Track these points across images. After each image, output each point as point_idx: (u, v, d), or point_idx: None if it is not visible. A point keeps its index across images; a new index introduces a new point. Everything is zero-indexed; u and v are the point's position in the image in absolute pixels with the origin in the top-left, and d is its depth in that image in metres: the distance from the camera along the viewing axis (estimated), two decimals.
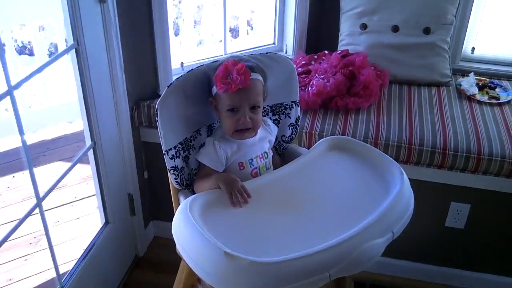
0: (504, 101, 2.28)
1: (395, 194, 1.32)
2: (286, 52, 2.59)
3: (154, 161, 2.35)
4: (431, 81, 2.41)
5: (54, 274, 1.85)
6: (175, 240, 1.29)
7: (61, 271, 1.93)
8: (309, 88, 2.15)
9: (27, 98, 3.78)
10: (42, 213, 1.71)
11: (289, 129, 1.64)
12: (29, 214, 1.63)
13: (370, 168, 1.46)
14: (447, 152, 2.00)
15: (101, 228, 2.17)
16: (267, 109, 1.58)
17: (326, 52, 2.43)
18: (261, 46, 2.64)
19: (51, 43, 3.93)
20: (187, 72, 1.43)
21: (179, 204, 1.45)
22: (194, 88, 1.43)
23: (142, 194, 2.37)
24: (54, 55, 3.92)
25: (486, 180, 2.04)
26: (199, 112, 1.47)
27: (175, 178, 1.43)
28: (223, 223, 1.27)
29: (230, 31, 2.47)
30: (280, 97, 1.60)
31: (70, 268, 2.06)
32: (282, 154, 1.68)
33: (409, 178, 1.41)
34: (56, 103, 3.81)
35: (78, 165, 3.26)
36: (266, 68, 1.49)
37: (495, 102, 2.28)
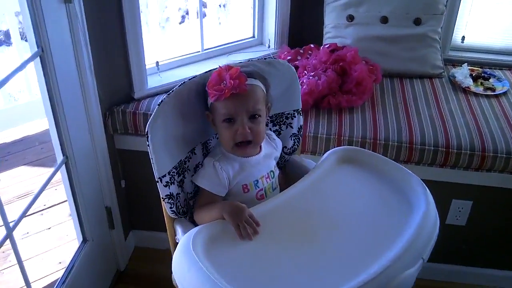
0: (500, 92, 2.19)
1: (421, 216, 1.19)
2: (268, 47, 2.41)
3: (131, 169, 2.18)
4: (423, 73, 2.30)
5: None
6: (176, 281, 1.12)
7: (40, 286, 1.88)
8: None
9: None
10: (13, 243, 1.50)
11: (291, 139, 1.48)
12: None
13: (388, 183, 1.32)
14: (450, 150, 1.88)
15: (78, 247, 1.98)
16: (266, 119, 1.40)
17: (312, 45, 2.27)
18: (239, 41, 2.45)
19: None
20: (179, 85, 1.24)
21: (175, 234, 1.28)
22: (189, 103, 1.25)
23: (120, 205, 2.18)
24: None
25: (489, 177, 1.94)
26: (195, 130, 1.30)
27: (170, 207, 1.25)
28: (231, 260, 1.11)
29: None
30: (281, 106, 1.43)
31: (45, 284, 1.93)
32: (283, 167, 1.51)
33: None
34: (14, 103, 3.52)
35: (45, 169, 3.05)
36: (265, 75, 1.32)
37: (491, 93, 2.18)
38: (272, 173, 1.34)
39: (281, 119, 1.46)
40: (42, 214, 2.73)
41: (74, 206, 1.89)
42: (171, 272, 1.15)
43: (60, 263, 2.40)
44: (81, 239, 1.99)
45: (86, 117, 1.84)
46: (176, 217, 1.28)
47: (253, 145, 1.26)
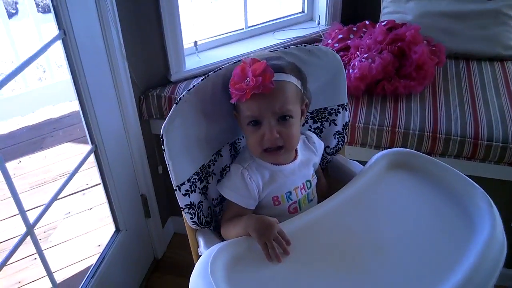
0: None
1: (486, 241, 0.98)
2: (319, 24, 2.19)
3: None
4: (494, 55, 2.02)
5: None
6: None
7: (78, 269, 1.93)
8: (350, 71, 1.78)
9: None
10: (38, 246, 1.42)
11: (335, 138, 1.30)
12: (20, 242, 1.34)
13: (447, 196, 1.11)
14: None
15: (112, 236, 1.90)
16: (306, 115, 1.22)
17: (367, 22, 2.04)
18: (286, 16, 2.24)
19: None
20: (201, 80, 1.08)
21: (198, 246, 1.14)
22: (213, 99, 1.09)
23: (157, 192, 2.08)
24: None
25: None
26: (221, 129, 1.14)
27: (191, 218, 1.11)
28: (256, 286, 0.95)
29: None
30: (323, 101, 1.25)
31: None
32: (325, 169, 1.34)
33: (471, 176, 1.11)
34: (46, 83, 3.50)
35: (86, 146, 3.01)
36: (305, 65, 1.13)
37: None
38: (308, 183, 1.17)
39: (323, 115, 1.27)
40: (84, 194, 2.69)
41: (105, 195, 1.80)
42: None
43: (99, 245, 2.36)
44: (114, 228, 1.90)
45: (118, 102, 1.73)
46: (198, 228, 1.14)
47: (285, 151, 1.08)
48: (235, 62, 1.12)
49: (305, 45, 1.19)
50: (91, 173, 2.75)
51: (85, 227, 2.46)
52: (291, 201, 1.12)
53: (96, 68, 1.57)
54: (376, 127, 1.71)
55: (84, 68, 1.50)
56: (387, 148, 1.71)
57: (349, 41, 1.94)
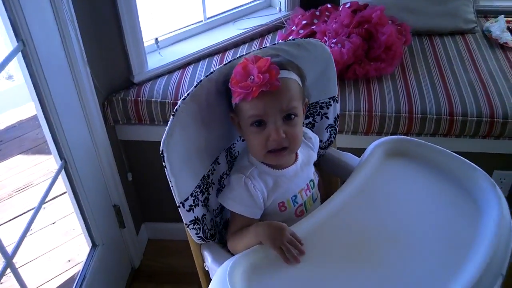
0: None
1: (497, 224, 0.98)
2: (280, 10, 2.14)
3: (137, 160, 1.98)
4: (455, 29, 2.05)
5: None
6: None
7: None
8: None
9: None
10: (16, 272, 1.31)
11: (327, 132, 1.26)
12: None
13: (448, 181, 1.10)
14: (495, 120, 1.66)
15: (89, 253, 1.81)
16: (305, 115, 1.18)
17: (329, 5, 2.01)
18: (244, 5, 2.17)
19: None
20: (194, 87, 1.00)
21: (203, 261, 1.08)
22: (208, 106, 1.02)
23: (128, 201, 1.98)
24: None
25: None
26: (218, 136, 1.07)
27: (197, 233, 1.04)
28: None
29: None
30: (315, 95, 1.20)
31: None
32: (318, 163, 1.30)
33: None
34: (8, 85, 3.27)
35: (44, 157, 2.84)
36: (296, 60, 1.08)
37: None
38: (312, 182, 1.13)
39: (314, 110, 1.23)
40: (44, 208, 2.54)
41: (79, 211, 1.69)
42: (187, 264, 1.00)
43: (69, 261, 2.24)
44: (91, 244, 1.80)
45: (82, 111, 1.61)
46: (203, 242, 1.07)
47: (289, 151, 1.03)
48: (225, 64, 1.06)
49: (293, 39, 1.14)
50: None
51: (51, 243, 2.33)
52: (297, 205, 1.08)
53: (58, 77, 1.46)
54: (353, 113, 1.69)
55: (47, 78, 1.38)
56: (365, 133, 1.71)
57: (314, 27, 1.91)
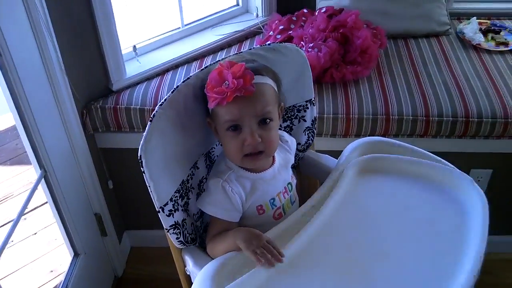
0: None
1: (482, 224, 1.00)
2: (257, 16, 2.16)
3: (118, 167, 1.97)
4: (429, 32, 2.09)
5: None
6: None
7: None
8: None
9: None
10: None
11: (305, 134, 1.28)
12: None
13: (427, 183, 1.12)
14: (470, 120, 1.70)
15: (71, 262, 1.80)
16: (281, 119, 1.18)
17: (306, 10, 2.03)
18: (221, 11, 2.19)
19: None
20: (171, 92, 1.01)
21: (185, 265, 1.08)
22: (186, 111, 1.03)
23: (110, 209, 1.97)
24: None
25: (511, 143, 1.77)
26: (197, 141, 1.08)
27: (177, 238, 1.04)
28: None
29: None
30: (292, 98, 1.22)
31: None
32: (297, 166, 1.32)
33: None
34: None
35: (23, 168, 2.81)
36: (272, 64, 1.10)
37: (505, 49, 1.99)
38: (289, 185, 1.14)
39: (292, 113, 1.25)
40: (25, 219, 2.51)
41: (60, 221, 1.68)
42: (171, 271, 1.01)
43: (51, 271, 2.22)
44: (73, 253, 1.79)
45: (61, 120, 1.61)
46: (184, 247, 1.08)
47: (265, 155, 1.04)
48: (202, 69, 1.07)
49: (268, 44, 1.15)
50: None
51: (33, 254, 2.30)
52: (276, 207, 1.09)
53: (36, 87, 1.46)
54: (331, 115, 1.72)
55: (25, 88, 1.38)
56: (343, 136, 1.74)
57: (291, 32, 1.93)
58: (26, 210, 2.54)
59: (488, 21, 2.16)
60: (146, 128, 0.95)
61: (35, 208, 2.56)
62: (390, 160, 1.16)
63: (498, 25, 2.13)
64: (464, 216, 1.04)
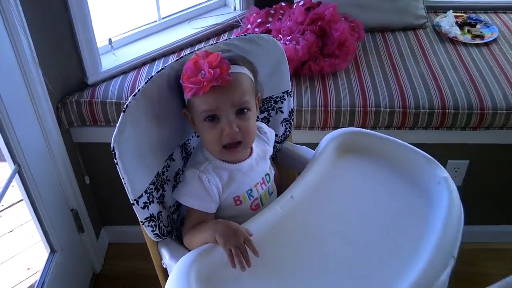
0: (490, 39, 2.01)
1: (446, 211, 1.02)
2: (234, 9, 2.15)
3: (94, 162, 1.95)
4: (406, 25, 2.10)
5: None
6: None
7: None
8: None
9: None
10: None
11: (282, 126, 1.28)
12: None
13: (400, 171, 1.13)
14: (446, 111, 1.72)
15: (47, 259, 1.77)
16: (258, 109, 1.17)
17: (283, 4, 2.03)
18: (199, 4, 2.17)
19: None
20: (145, 82, 1.00)
21: (161, 259, 1.07)
22: (160, 102, 1.02)
23: (87, 204, 1.95)
24: None
25: (488, 134, 1.80)
26: (171, 133, 1.07)
27: (153, 230, 1.03)
28: None
29: None
30: (268, 89, 1.22)
31: None
32: (274, 158, 1.31)
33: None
34: None
35: None
36: (248, 55, 1.09)
37: (481, 42, 2.01)
38: (267, 176, 1.14)
39: (269, 104, 1.24)
40: (1, 216, 2.47)
41: (36, 217, 1.65)
42: (150, 267, 1.04)
43: (28, 269, 2.18)
44: (49, 250, 1.76)
45: (36, 114, 1.58)
46: (160, 239, 1.07)
47: (243, 146, 1.04)
48: (177, 60, 1.06)
49: (245, 35, 1.15)
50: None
51: (10, 252, 2.26)
52: (253, 198, 1.09)
53: (8, 81, 1.43)
54: (309, 108, 1.72)
55: None
56: (321, 128, 1.74)
57: (269, 25, 1.93)
58: (2, 208, 2.50)
59: (464, 15, 2.18)
60: (119, 119, 0.94)
61: (11, 205, 2.52)
62: (366, 136, 1.20)
63: (474, 18, 2.15)
64: (428, 199, 1.07)
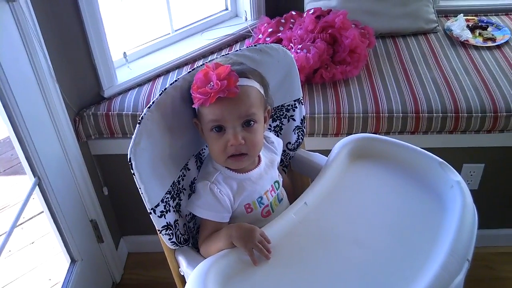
0: (502, 42, 2.01)
1: (460, 214, 1.02)
2: (246, 19, 2.18)
3: (112, 174, 1.98)
4: (417, 30, 2.11)
5: None
6: None
7: None
8: None
9: None
10: None
11: (295, 133, 1.29)
12: None
13: (412, 176, 1.14)
14: (460, 115, 1.72)
15: (68, 269, 1.80)
16: (268, 123, 1.21)
17: (294, 13, 2.05)
18: (211, 16, 2.20)
19: None
20: (159, 95, 1.03)
21: (179, 266, 1.10)
22: (174, 113, 1.04)
23: (105, 215, 1.98)
24: None
25: (501, 137, 1.79)
26: (186, 143, 1.09)
27: (170, 239, 1.06)
28: None
29: None
30: (280, 98, 1.24)
31: None
32: (288, 166, 1.33)
33: None
34: None
35: (17, 178, 2.81)
36: (259, 65, 1.11)
37: (493, 44, 2.01)
38: (276, 183, 1.16)
39: (281, 113, 1.26)
40: (22, 228, 2.52)
41: (56, 228, 1.69)
42: (168, 276, 1.06)
43: (50, 279, 2.22)
44: (69, 260, 1.80)
45: (54, 128, 1.62)
46: (177, 247, 1.09)
47: (248, 158, 1.06)
48: (190, 72, 1.08)
49: (255, 45, 1.17)
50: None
51: (31, 263, 2.31)
52: (263, 205, 1.11)
53: (27, 96, 1.47)
54: (322, 115, 1.73)
55: (16, 98, 1.39)
56: (335, 135, 1.75)
57: (280, 34, 1.95)
58: (23, 220, 2.55)
59: (475, 18, 2.18)
60: (135, 131, 0.96)
61: (32, 218, 2.56)
62: (379, 142, 1.21)
63: (485, 21, 2.15)
64: (442, 203, 1.07)
